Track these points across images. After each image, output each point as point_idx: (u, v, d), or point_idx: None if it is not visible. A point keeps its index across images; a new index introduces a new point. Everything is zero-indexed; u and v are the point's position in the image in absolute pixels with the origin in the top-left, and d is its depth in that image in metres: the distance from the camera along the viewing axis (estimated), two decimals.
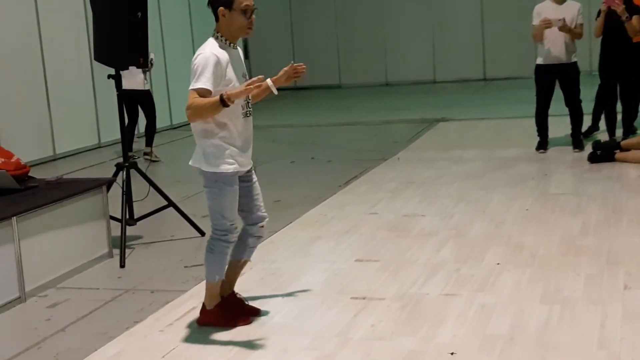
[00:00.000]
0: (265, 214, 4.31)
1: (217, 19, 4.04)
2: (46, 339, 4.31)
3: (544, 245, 5.36)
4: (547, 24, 8.16)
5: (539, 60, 8.55)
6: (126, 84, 9.63)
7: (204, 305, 4.31)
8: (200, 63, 3.91)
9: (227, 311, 4.29)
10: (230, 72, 3.99)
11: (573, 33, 8.29)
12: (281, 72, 4.27)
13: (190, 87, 3.90)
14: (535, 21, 8.38)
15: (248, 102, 4.14)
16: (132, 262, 5.65)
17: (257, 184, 4.27)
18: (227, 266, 4.26)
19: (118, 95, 6.18)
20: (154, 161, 9.80)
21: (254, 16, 4.04)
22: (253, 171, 4.28)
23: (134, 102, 9.84)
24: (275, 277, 5.05)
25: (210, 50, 3.95)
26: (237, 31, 4.05)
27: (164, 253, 5.90)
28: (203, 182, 4.14)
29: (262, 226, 4.30)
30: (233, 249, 4.24)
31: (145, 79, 9.85)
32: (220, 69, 3.93)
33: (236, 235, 4.18)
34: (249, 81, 3.89)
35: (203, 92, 3.87)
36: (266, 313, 4.39)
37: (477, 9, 17.36)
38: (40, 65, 10.38)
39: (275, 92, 4.21)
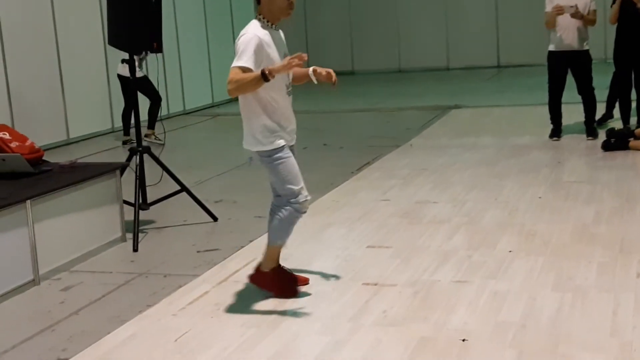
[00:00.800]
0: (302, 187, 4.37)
1: (258, 2, 4.19)
2: (60, 322, 4.34)
3: (556, 233, 5.35)
4: (560, 10, 8.11)
5: (551, 47, 8.51)
6: (122, 70, 9.74)
7: (260, 265, 4.45)
8: (244, 42, 4.06)
9: (279, 278, 4.44)
10: (273, 53, 4.13)
11: (586, 20, 8.23)
12: (324, 71, 4.32)
13: (233, 65, 4.03)
14: (548, 8, 8.34)
15: (289, 82, 4.27)
16: (145, 246, 5.68)
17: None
18: (291, 233, 4.40)
19: (132, 80, 6.19)
20: (154, 143, 9.79)
21: None
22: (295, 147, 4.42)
23: (129, 89, 9.88)
24: (287, 263, 5.04)
25: (253, 31, 4.10)
26: (278, 12, 4.18)
27: (177, 237, 5.92)
28: (260, 161, 4.28)
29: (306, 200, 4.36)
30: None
31: (139, 66, 9.82)
32: (262, 49, 4.07)
33: (306, 203, 4.29)
34: (290, 57, 4.01)
35: (245, 70, 4.01)
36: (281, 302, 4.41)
37: None
38: (54, 50, 10.41)
39: (315, 81, 4.34)
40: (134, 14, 5.84)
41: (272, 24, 4.20)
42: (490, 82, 15.25)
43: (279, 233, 4.36)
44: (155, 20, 5.95)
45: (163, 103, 10.57)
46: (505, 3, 17.09)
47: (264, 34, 4.11)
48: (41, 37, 10.21)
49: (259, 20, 4.18)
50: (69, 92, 10.64)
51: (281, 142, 4.21)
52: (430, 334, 3.85)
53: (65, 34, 10.54)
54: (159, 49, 6.10)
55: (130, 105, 9.97)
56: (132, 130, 10.05)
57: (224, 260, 5.23)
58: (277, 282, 4.44)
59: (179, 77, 13.33)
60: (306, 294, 4.48)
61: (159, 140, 9.97)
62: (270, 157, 4.22)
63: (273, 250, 4.42)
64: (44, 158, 5.91)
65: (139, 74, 9.84)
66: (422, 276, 4.67)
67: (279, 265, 4.51)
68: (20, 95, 9.76)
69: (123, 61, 9.59)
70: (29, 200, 4.88)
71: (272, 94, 4.17)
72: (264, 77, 3.95)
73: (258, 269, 4.47)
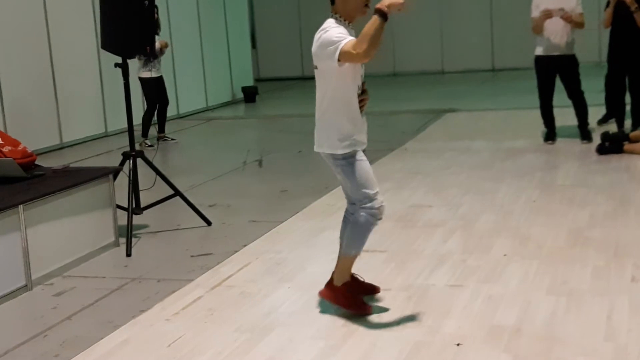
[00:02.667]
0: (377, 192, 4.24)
1: (332, 2, 4.07)
2: (52, 327, 4.31)
3: (551, 236, 5.34)
4: (548, 14, 8.14)
5: (538, 51, 8.53)
6: (142, 73, 9.89)
7: (331, 279, 4.25)
8: (330, 36, 3.92)
9: (351, 293, 4.24)
10: None
11: (574, 23, 8.26)
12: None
13: (338, 50, 3.85)
14: (534, 13, 8.37)
15: (363, 83, 4.14)
16: (138, 251, 5.66)
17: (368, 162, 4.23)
18: (366, 242, 4.20)
19: (125, 83, 6.17)
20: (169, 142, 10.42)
21: None
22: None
23: (149, 91, 10.11)
24: (281, 267, 5.05)
25: (333, 27, 3.96)
26: (353, 11, 4.05)
27: (170, 242, 5.90)
28: (333, 164, 4.16)
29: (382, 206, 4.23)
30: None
31: (145, 67, 9.97)
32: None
33: (381, 208, 4.12)
34: None
35: (349, 42, 3.85)
36: (276, 307, 4.38)
37: None
38: (47, 54, 10.38)
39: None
40: (127, 18, 5.82)
41: (348, 22, 4.07)
42: (485, 85, 15.27)
43: (354, 243, 4.15)
44: (148, 24, 5.93)
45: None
46: (499, 7, 17.13)
47: (345, 29, 3.98)
48: (34, 41, 10.18)
49: (335, 18, 4.05)
50: (62, 97, 10.62)
51: (355, 147, 4.07)
52: (424, 338, 3.83)
53: (58, 38, 10.52)
54: (151, 52, 6.09)
55: (152, 108, 10.13)
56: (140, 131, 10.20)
57: (217, 265, 5.21)
58: (347, 297, 4.21)
59: (172, 81, 13.31)
60: (300, 298, 4.46)
61: (173, 139, 10.56)
62: (342, 158, 4.09)
63: (347, 262, 4.21)
64: (36, 162, 5.89)
65: (156, 74, 10.04)
66: (416, 280, 4.66)
67: (353, 277, 4.34)
68: (13, 100, 9.74)
69: (145, 64, 9.85)
70: (21, 205, 4.85)
71: (349, 94, 4.04)
72: (383, 15, 3.79)
73: (330, 283, 4.26)
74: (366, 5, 4.05)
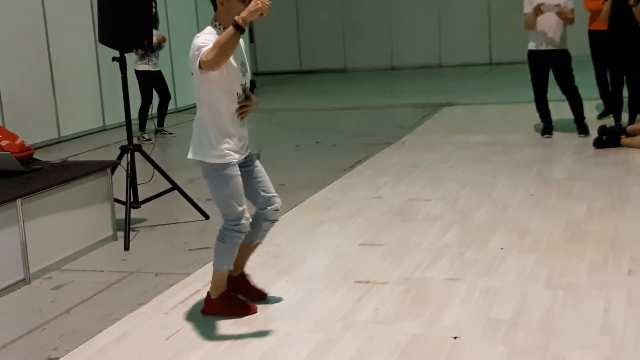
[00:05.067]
0: (276, 195, 4.22)
1: (215, 8, 4.01)
2: (50, 321, 4.32)
3: (548, 230, 5.36)
4: (539, 11, 8.16)
5: (531, 46, 8.57)
6: (138, 66, 9.85)
7: (208, 294, 4.26)
8: (197, 42, 3.86)
9: (230, 301, 4.22)
10: (229, 60, 3.90)
11: (567, 19, 8.27)
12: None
13: (199, 58, 3.79)
14: (527, 9, 8.39)
15: (244, 90, 4.07)
16: (136, 244, 5.66)
17: (259, 168, 4.21)
18: (235, 255, 4.16)
19: (123, 77, 6.16)
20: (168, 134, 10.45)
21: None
22: (254, 156, 4.23)
23: (145, 84, 10.07)
24: (279, 261, 5.06)
25: (206, 37, 3.88)
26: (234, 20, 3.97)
27: (168, 236, 5.91)
28: (202, 173, 4.06)
29: (277, 210, 4.21)
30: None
31: (143, 60, 9.96)
32: None
33: (247, 224, 4.07)
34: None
35: (206, 49, 3.79)
36: (271, 300, 4.38)
37: None
38: (45, 48, 10.36)
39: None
40: (124, 12, 5.82)
41: None
42: (483, 79, 15.26)
43: (224, 259, 4.14)
44: (145, 18, 5.93)
45: (154, 100, 10.58)
46: (497, 1, 17.11)
47: (212, 37, 3.89)
48: (32, 34, 10.16)
49: (215, 27, 3.98)
50: (60, 90, 10.60)
51: (228, 158, 3.97)
52: (422, 331, 3.84)
53: (56, 31, 10.50)
54: (149, 46, 6.09)
55: (148, 102, 10.10)
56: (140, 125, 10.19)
57: None
58: (227, 305, 4.21)
59: (170, 75, 13.29)
60: (298, 292, 4.47)
61: (171, 133, 10.58)
62: (214, 170, 3.99)
63: (220, 277, 4.20)
64: (34, 156, 5.89)
65: (153, 68, 10.00)
66: (414, 274, 4.67)
67: (239, 275, 4.35)
68: (11, 94, 9.72)
69: (142, 57, 9.80)
70: (19, 199, 4.86)
71: (222, 102, 3.96)
72: (238, 27, 3.72)
73: (208, 298, 4.26)
74: None
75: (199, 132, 4.03)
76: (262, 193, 4.20)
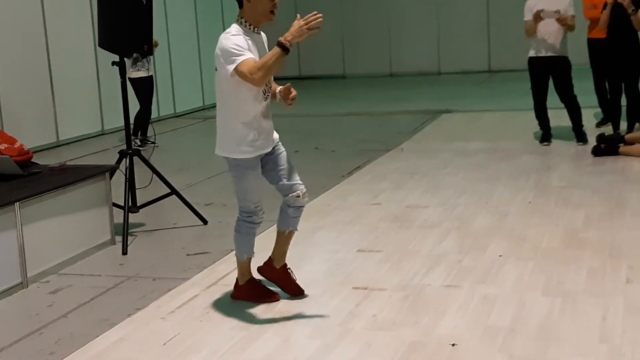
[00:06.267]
0: (298, 182, 4.32)
1: (240, 5, 4.10)
2: (48, 325, 4.31)
3: (546, 237, 5.36)
4: (539, 17, 8.17)
5: (531, 53, 8.58)
6: (132, 74, 9.70)
7: (237, 280, 4.49)
8: (229, 44, 3.98)
9: (255, 288, 4.45)
10: (254, 57, 4.03)
11: (567, 26, 8.29)
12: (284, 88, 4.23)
13: (235, 65, 3.93)
14: (527, 17, 8.40)
15: (269, 87, 4.19)
16: (134, 249, 5.65)
17: (282, 155, 4.32)
18: (253, 245, 4.41)
19: (122, 82, 6.17)
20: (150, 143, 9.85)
21: (276, 0, 4.10)
22: (279, 143, 4.34)
23: (140, 91, 9.91)
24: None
25: (234, 35, 4.02)
26: (260, 16, 4.11)
27: (166, 241, 5.90)
28: (228, 168, 4.26)
29: (298, 196, 4.30)
30: (278, 220, 4.39)
31: (134, 66, 9.84)
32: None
33: (261, 216, 4.33)
34: (305, 19, 3.96)
35: (248, 62, 3.93)
36: (269, 304, 4.39)
37: (483, 0, 17.31)
38: (44, 52, 10.37)
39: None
40: (124, 16, 5.82)
41: (254, 28, 4.12)
42: (481, 86, 15.27)
43: (242, 248, 4.41)
44: (145, 22, 5.93)
45: (153, 106, 10.53)
46: (496, 8, 17.12)
47: (245, 39, 4.03)
48: (31, 38, 10.17)
49: (240, 24, 4.10)
50: (59, 94, 10.60)
51: (250, 154, 4.14)
52: (420, 338, 3.84)
53: (55, 35, 10.50)
54: (149, 51, 6.09)
55: (147, 108, 9.93)
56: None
57: (213, 263, 5.22)
58: (254, 291, 4.46)
59: (169, 80, 13.31)
60: (296, 298, 4.47)
61: (153, 142, 9.91)
62: (236, 165, 4.19)
63: (242, 265, 4.46)
64: (33, 160, 5.88)
65: (146, 73, 9.89)
66: (412, 280, 4.67)
67: (281, 267, 4.51)
68: (10, 97, 9.72)
69: (133, 63, 9.67)
70: (17, 203, 4.85)
71: (248, 100, 4.10)
72: (284, 49, 3.89)
73: (236, 284, 4.52)
74: (272, 12, 4.11)
75: (223, 128, 4.18)
76: (285, 181, 4.30)
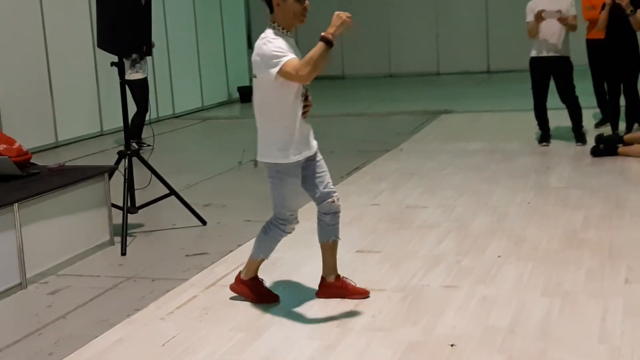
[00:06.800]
0: (331, 191, 4.30)
1: (271, 10, 4.10)
2: (47, 326, 4.31)
3: (545, 238, 5.36)
4: (540, 17, 8.17)
5: (533, 53, 8.58)
6: (129, 76, 9.63)
7: (240, 273, 4.48)
8: (270, 48, 3.97)
9: (256, 287, 4.44)
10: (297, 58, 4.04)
11: (569, 25, 8.29)
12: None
13: (279, 67, 3.93)
14: (529, 17, 8.39)
15: (307, 89, 4.19)
16: (133, 250, 5.65)
17: (321, 163, 4.31)
18: (272, 250, 4.41)
19: (121, 83, 6.16)
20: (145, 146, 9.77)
21: (307, 2, 4.11)
22: (318, 151, 4.33)
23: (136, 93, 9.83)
24: (276, 267, 5.05)
25: (273, 38, 4.01)
26: (292, 18, 4.10)
27: (165, 241, 5.90)
28: (268, 173, 4.22)
29: (333, 201, 4.28)
30: (318, 233, 4.36)
31: (134, 68, 9.78)
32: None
33: (294, 225, 4.31)
34: (342, 13, 3.96)
35: (292, 61, 3.94)
36: (268, 306, 4.38)
37: (482, 1, 17.32)
38: (43, 52, 10.37)
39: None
40: (123, 17, 5.82)
41: (287, 31, 4.11)
42: (481, 87, 15.29)
43: (261, 249, 4.41)
44: (144, 23, 5.93)
45: (152, 106, 10.49)
46: (495, 9, 17.14)
47: (284, 42, 4.03)
48: (30, 39, 10.16)
49: (273, 28, 4.09)
50: (58, 95, 10.60)
51: (291, 159, 4.12)
52: (419, 338, 3.84)
53: (54, 36, 10.50)
54: (148, 52, 6.08)
55: (144, 109, 9.86)
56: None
57: (212, 264, 5.22)
58: (253, 290, 4.45)
59: (168, 80, 13.31)
60: (295, 298, 4.47)
61: (149, 145, 9.79)
62: (276, 171, 4.16)
63: (254, 263, 4.45)
64: (32, 161, 5.88)
65: (143, 75, 9.84)
66: (411, 281, 4.66)
67: (336, 279, 4.46)
68: (9, 98, 9.72)
69: (132, 65, 9.60)
70: (16, 203, 4.85)
71: (289, 104, 4.09)
72: (328, 43, 3.90)
73: (238, 277, 4.51)
74: (304, 15, 4.11)
75: (264, 134, 4.17)
76: (321, 188, 4.28)
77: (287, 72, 3.94)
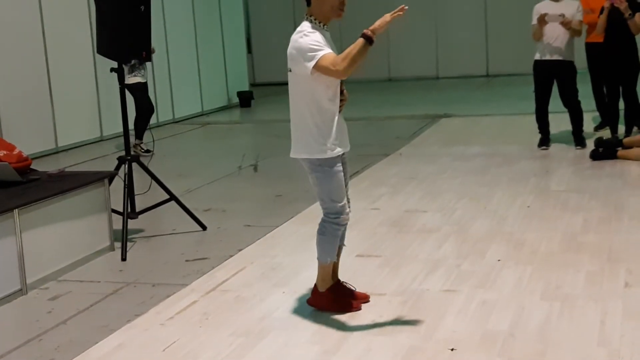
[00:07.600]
0: (348, 199, 4.30)
1: (308, 4, 4.08)
2: (47, 332, 4.31)
3: (545, 242, 5.36)
4: (543, 21, 8.18)
5: (537, 56, 8.58)
6: (129, 80, 9.65)
7: (315, 286, 4.33)
8: (307, 42, 3.96)
9: (338, 295, 4.32)
10: (334, 52, 4.02)
11: (573, 30, 8.30)
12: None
13: (315, 61, 3.91)
14: (535, 20, 8.40)
15: (342, 83, 4.19)
16: (133, 255, 5.66)
17: (347, 167, 4.30)
18: (336, 248, 4.29)
19: (120, 88, 6.18)
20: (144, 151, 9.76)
21: None
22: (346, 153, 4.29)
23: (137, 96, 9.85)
24: (276, 272, 5.06)
25: (310, 32, 4.00)
26: (329, 12, 4.06)
27: (166, 247, 5.90)
28: (307, 168, 4.17)
29: (347, 212, 4.26)
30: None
31: (133, 72, 9.79)
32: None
33: (347, 217, 4.22)
34: (392, 13, 3.94)
35: (329, 56, 3.93)
36: (268, 311, 4.38)
37: (481, 4, 17.35)
38: (42, 58, 10.38)
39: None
40: (123, 23, 5.83)
41: (323, 25, 4.09)
42: (480, 91, 15.30)
43: (326, 251, 4.27)
44: (144, 29, 5.94)
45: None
46: (494, 13, 17.17)
47: (321, 36, 4.01)
48: (30, 45, 10.17)
49: (310, 21, 4.06)
50: (58, 101, 10.61)
51: (333, 153, 4.08)
52: (419, 343, 3.84)
53: (54, 42, 10.51)
54: (147, 57, 6.10)
55: (148, 112, 9.88)
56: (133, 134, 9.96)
57: (212, 269, 5.22)
58: (335, 299, 4.29)
59: (168, 86, 13.32)
60: (295, 303, 4.47)
61: (148, 150, 9.83)
62: (318, 165, 4.10)
63: (325, 269, 4.30)
64: (32, 167, 5.89)
65: (142, 79, 9.85)
66: (411, 285, 4.67)
67: (335, 283, 4.37)
68: (8, 104, 9.72)
69: (131, 70, 9.61)
70: (16, 209, 4.85)
71: (326, 98, 4.09)
72: (369, 40, 3.89)
73: (315, 291, 4.34)
74: (341, 9, 4.08)
75: (301, 130, 4.12)
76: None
77: (323, 67, 3.92)
